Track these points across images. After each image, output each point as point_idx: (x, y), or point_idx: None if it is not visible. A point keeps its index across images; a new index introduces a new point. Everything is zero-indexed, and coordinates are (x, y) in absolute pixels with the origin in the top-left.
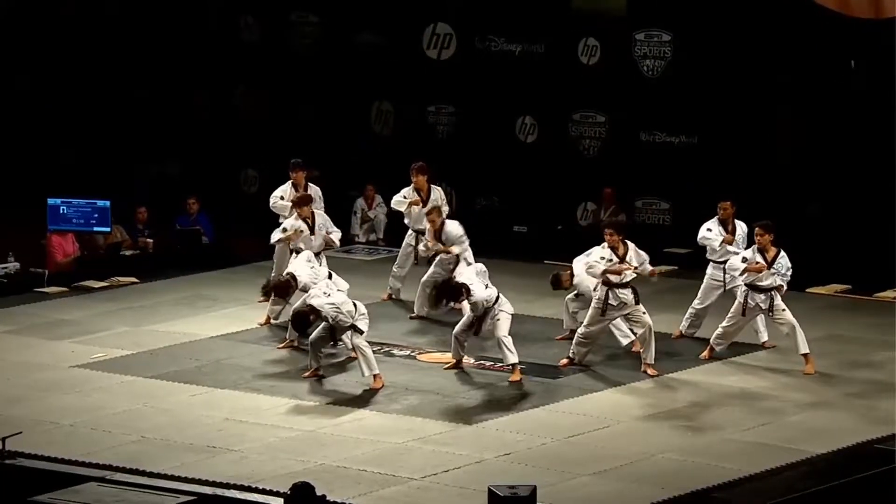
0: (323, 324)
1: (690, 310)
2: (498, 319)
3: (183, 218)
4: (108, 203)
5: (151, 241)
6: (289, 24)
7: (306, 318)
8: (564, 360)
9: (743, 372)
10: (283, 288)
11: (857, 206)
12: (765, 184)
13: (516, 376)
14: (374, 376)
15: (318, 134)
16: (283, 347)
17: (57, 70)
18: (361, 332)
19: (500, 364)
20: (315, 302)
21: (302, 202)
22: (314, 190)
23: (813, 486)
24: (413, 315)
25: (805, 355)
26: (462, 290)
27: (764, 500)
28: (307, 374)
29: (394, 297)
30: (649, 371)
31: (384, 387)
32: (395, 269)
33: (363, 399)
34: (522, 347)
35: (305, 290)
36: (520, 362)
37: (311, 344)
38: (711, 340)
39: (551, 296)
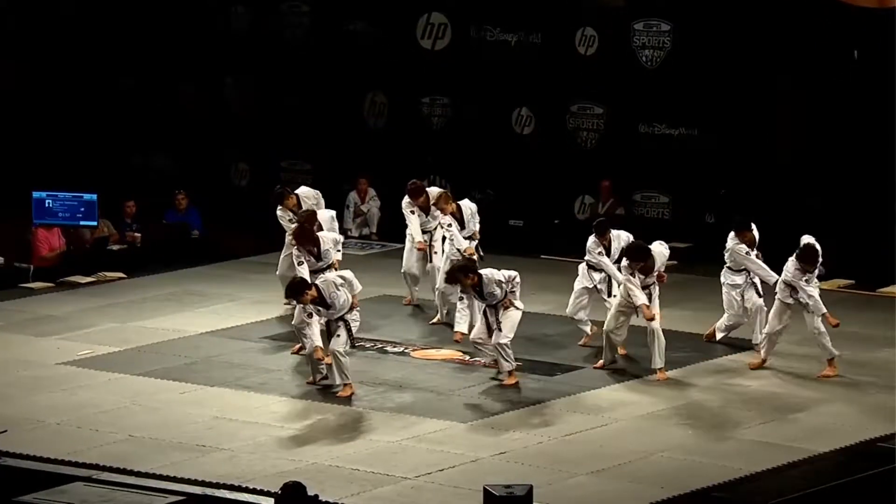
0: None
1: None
2: (509, 311)
3: (171, 213)
4: (94, 196)
5: (139, 235)
6: (279, 13)
7: (303, 288)
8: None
9: (744, 370)
10: (307, 235)
11: (860, 200)
12: (765, 177)
13: (511, 380)
14: (345, 385)
15: (310, 126)
16: (295, 352)
17: (44, 63)
18: (347, 338)
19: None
20: (322, 284)
21: (303, 238)
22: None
23: (815, 486)
24: (434, 321)
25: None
26: (474, 265)
27: (765, 499)
28: (309, 380)
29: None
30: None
31: (368, 387)
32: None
33: (356, 397)
34: (519, 345)
35: (319, 258)
36: (517, 359)
37: (310, 357)
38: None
39: (549, 292)
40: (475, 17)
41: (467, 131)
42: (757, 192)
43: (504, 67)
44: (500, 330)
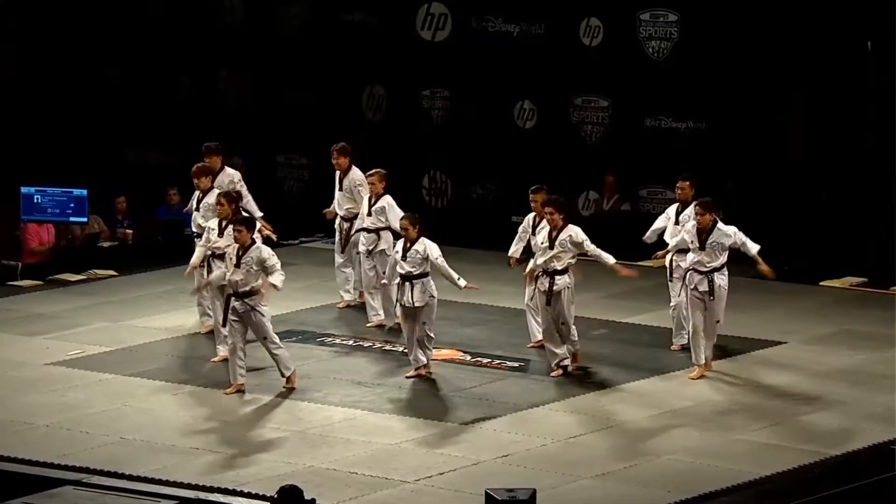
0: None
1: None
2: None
3: (163, 209)
4: (84, 192)
5: (131, 232)
6: (275, 4)
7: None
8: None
9: (751, 370)
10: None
11: (872, 196)
12: (775, 172)
13: (424, 370)
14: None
15: (307, 120)
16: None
17: (35, 56)
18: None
19: (498, 362)
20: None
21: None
22: (230, 174)
23: (825, 489)
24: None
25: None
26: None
27: (774, 502)
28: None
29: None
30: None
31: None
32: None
33: (354, 398)
34: (521, 345)
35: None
36: (506, 357)
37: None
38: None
39: None
40: (476, 8)
41: (468, 125)
42: (766, 188)
43: (506, 59)
44: (423, 324)
